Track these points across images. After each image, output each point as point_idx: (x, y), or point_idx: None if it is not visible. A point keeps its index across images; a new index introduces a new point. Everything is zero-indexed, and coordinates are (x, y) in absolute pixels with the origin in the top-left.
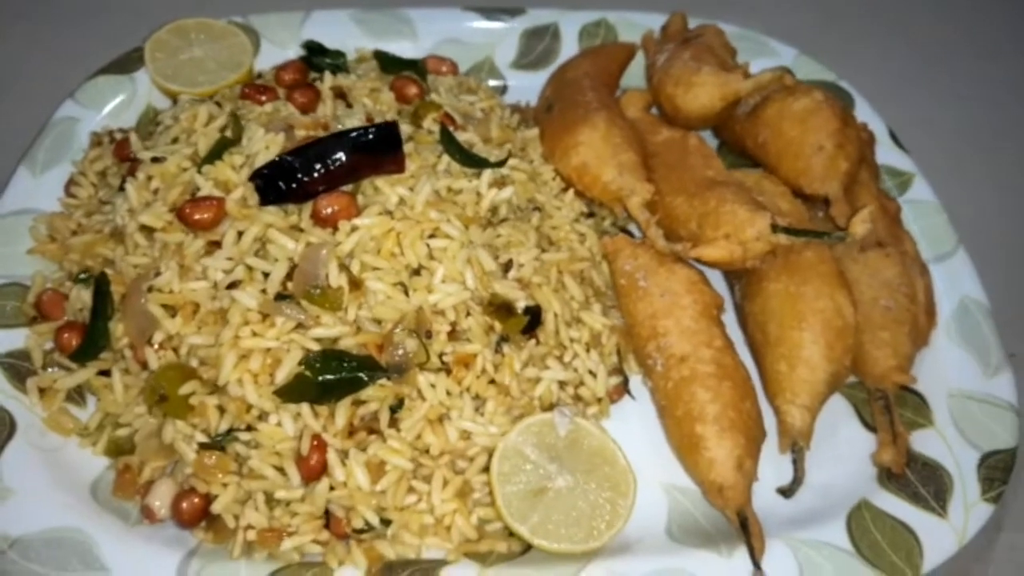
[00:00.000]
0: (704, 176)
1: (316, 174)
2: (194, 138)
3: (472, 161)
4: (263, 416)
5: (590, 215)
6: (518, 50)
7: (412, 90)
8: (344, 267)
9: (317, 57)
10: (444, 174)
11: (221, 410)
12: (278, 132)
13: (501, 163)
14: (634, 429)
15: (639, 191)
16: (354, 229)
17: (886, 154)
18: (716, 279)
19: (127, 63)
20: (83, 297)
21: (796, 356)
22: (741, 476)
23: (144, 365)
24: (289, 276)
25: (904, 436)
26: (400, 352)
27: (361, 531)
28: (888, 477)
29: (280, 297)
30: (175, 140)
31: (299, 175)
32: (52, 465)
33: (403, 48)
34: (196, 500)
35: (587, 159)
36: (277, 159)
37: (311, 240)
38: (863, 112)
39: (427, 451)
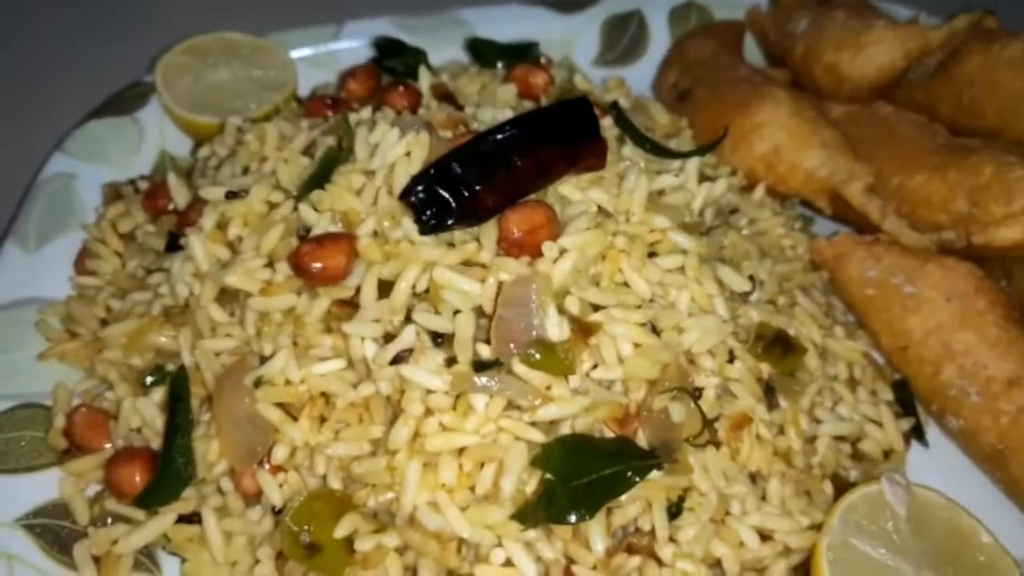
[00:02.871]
0: (938, 144)
1: (493, 181)
2: (268, 166)
3: (656, 149)
4: (478, 555)
5: None
6: (600, 44)
7: (540, 78)
8: (564, 309)
9: (390, 58)
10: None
11: (402, 553)
12: (419, 130)
13: (707, 149)
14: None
15: (858, 174)
16: (562, 252)
17: None
18: None
19: (125, 102)
20: (142, 411)
21: None
22: None
23: (254, 497)
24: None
25: None
26: (662, 425)
27: None
28: None
29: (480, 367)
30: (245, 171)
31: (472, 184)
32: None
33: (458, 55)
34: None
35: (778, 142)
36: (439, 163)
37: (503, 276)
38: None
39: (719, 566)
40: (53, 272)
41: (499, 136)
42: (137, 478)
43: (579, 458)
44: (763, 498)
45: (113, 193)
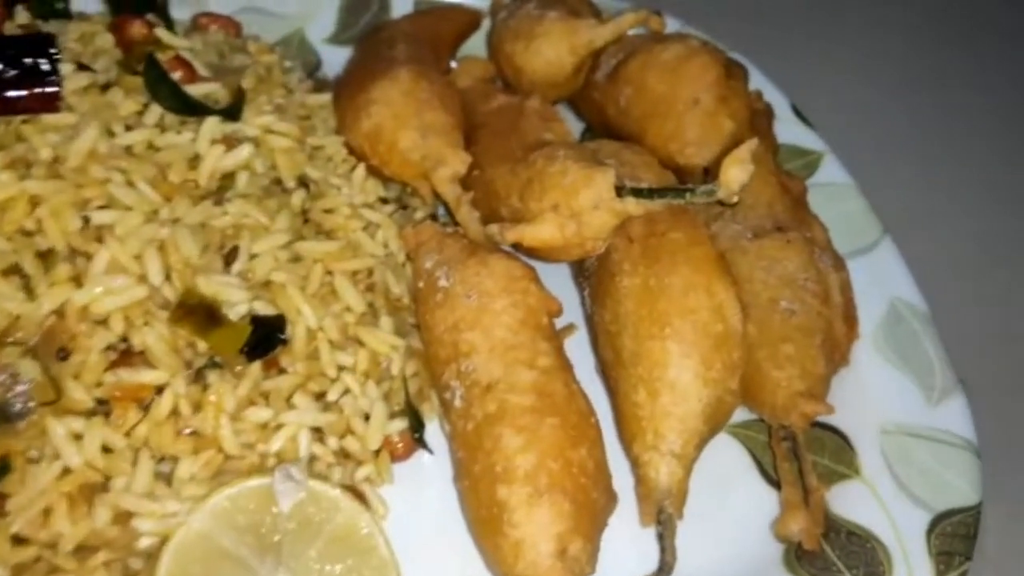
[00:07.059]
0: (538, 139)
1: None
2: None
3: (188, 107)
4: None
5: (403, 207)
6: (337, 23)
7: (137, 29)
8: None
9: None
10: (151, 129)
11: None
12: None
13: (232, 110)
14: (429, 502)
15: (449, 160)
16: None
17: (788, 131)
18: (565, 284)
19: None
20: None
21: (658, 379)
22: (563, 568)
23: None
24: None
25: (820, 493)
26: (9, 385)
27: None
28: (799, 555)
29: None
30: None
31: None
32: None
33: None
34: None
35: (381, 121)
36: None
37: None
38: (759, 84)
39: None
40: None
41: None
42: None
43: None
44: (169, 484)
45: None
